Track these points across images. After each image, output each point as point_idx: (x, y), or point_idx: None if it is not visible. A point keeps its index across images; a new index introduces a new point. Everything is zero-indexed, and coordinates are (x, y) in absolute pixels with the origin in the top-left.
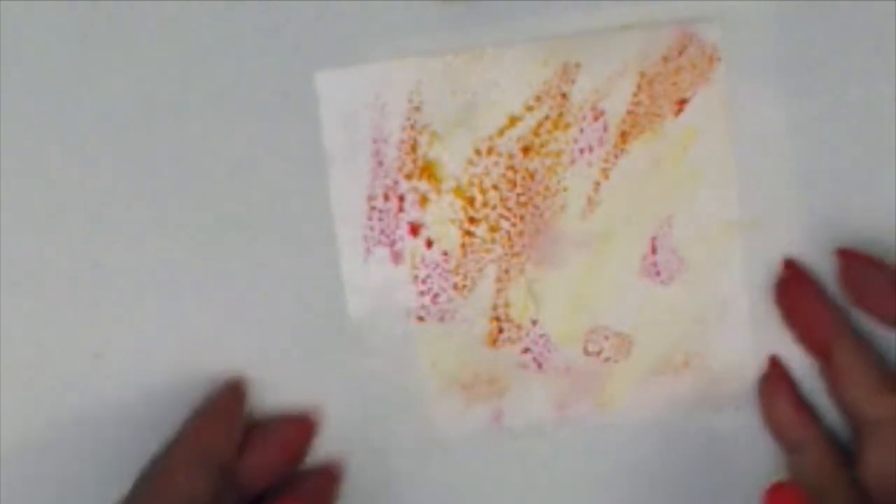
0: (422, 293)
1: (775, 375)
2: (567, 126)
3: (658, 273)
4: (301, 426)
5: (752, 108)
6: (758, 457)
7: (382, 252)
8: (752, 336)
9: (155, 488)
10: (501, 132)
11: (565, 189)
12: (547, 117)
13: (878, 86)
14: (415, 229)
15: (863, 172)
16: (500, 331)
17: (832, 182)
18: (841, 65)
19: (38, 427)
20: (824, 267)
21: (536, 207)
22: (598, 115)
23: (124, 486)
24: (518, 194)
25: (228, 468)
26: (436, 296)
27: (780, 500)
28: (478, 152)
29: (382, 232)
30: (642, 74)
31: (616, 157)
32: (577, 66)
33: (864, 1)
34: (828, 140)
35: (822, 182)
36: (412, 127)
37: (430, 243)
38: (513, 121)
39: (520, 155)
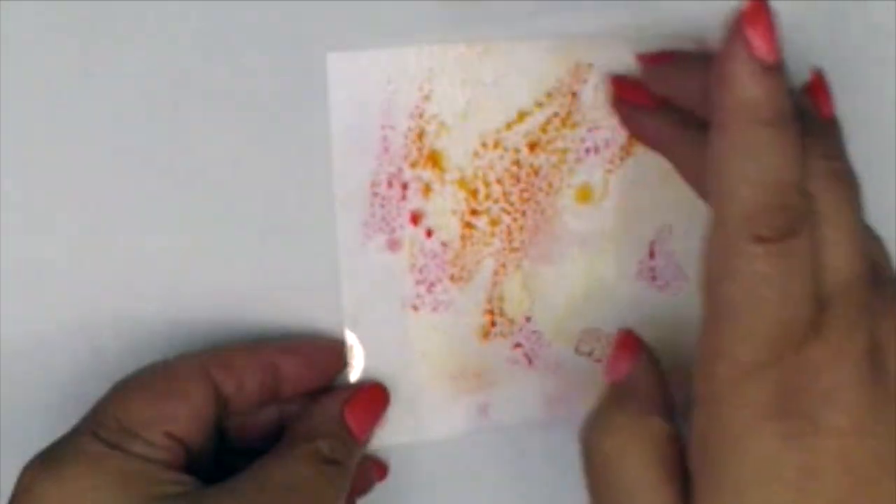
0: (418, 282)
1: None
2: (575, 125)
3: (654, 278)
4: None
5: None
6: None
7: (381, 239)
8: None
9: None
10: (509, 126)
11: (569, 187)
12: (556, 115)
13: (882, 90)
14: (416, 218)
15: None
16: (493, 324)
17: None
18: (851, 72)
19: (38, 423)
20: None
21: (538, 204)
22: (607, 116)
23: None
24: (521, 190)
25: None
26: (431, 285)
27: (753, 8)
28: (484, 145)
29: (383, 219)
30: None
31: (622, 159)
32: (590, 66)
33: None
34: None
35: None
36: (421, 115)
37: (430, 233)
38: (521, 116)
39: (526, 150)
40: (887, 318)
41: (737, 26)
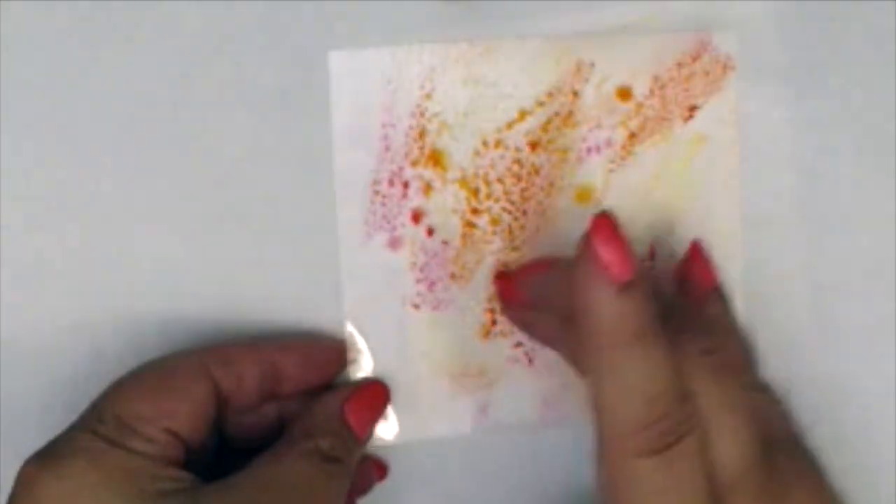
0: (419, 280)
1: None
2: (576, 124)
3: (655, 278)
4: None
5: (762, 118)
6: None
7: (382, 237)
8: None
9: None
10: (510, 125)
11: (570, 187)
12: (557, 114)
13: (884, 94)
14: (417, 216)
15: (867, 179)
16: (494, 323)
17: (836, 193)
18: (853, 76)
19: (38, 422)
20: (829, 277)
21: (539, 203)
22: (608, 115)
23: None
24: (522, 189)
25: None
26: (432, 284)
27: (601, 227)
28: (485, 144)
29: (384, 217)
30: (655, 78)
31: (623, 158)
32: (592, 65)
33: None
34: (834, 148)
35: (827, 193)
36: (422, 114)
37: (430, 231)
38: (523, 115)
39: (527, 149)
40: (790, 488)
41: (586, 246)
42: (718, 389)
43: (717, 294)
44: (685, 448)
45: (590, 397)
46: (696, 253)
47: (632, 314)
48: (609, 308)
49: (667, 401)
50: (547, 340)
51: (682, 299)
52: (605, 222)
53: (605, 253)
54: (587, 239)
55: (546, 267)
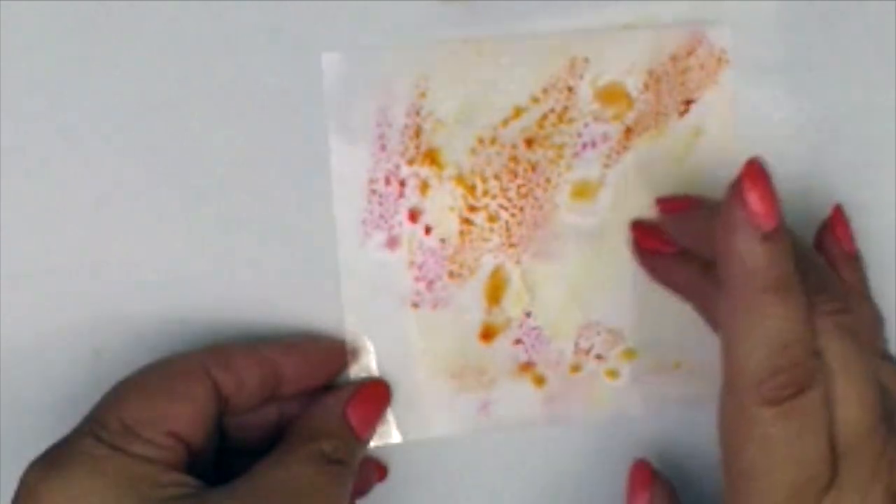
0: (417, 279)
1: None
2: (572, 120)
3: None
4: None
5: (758, 111)
6: None
7: (380, 236)
8: None
9: None
10: (506, 122)
11: (566, 183)
12: (552, 110)
13: (881, 88)
14: (414, 215)
15: (865, 174)
16: (493, 321)
17: (833, 184)
18: (849, 69)
19: (38, 423)
20: None
21: (536, 199)
22: (604, 111)
23: None
24: (519, 185)
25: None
26: (431, 282)
27: (752, 174)
28: (481, 141)
29: (381, 216)
30: (650, 73)
31: (619, 153)
32: (586, 60)
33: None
34: (830, 142)
35: (824, 184)
36: (417, 113)
37: (428, 230)
38: (518, 112)
39: (523, 146)
40: None
41: (735, 192)
42: (847, 350)
43: (854, 260)
44: (809, 401)
45: (721, 343)
46: (838, 217)
47: (774, 262)
48: (753, 254)
49: (797, 351)
50: (681, 288)
51: (822, 260)
52: (757, 168)
53: (754, 198)
54: (737, 184)
55: (691, 205)
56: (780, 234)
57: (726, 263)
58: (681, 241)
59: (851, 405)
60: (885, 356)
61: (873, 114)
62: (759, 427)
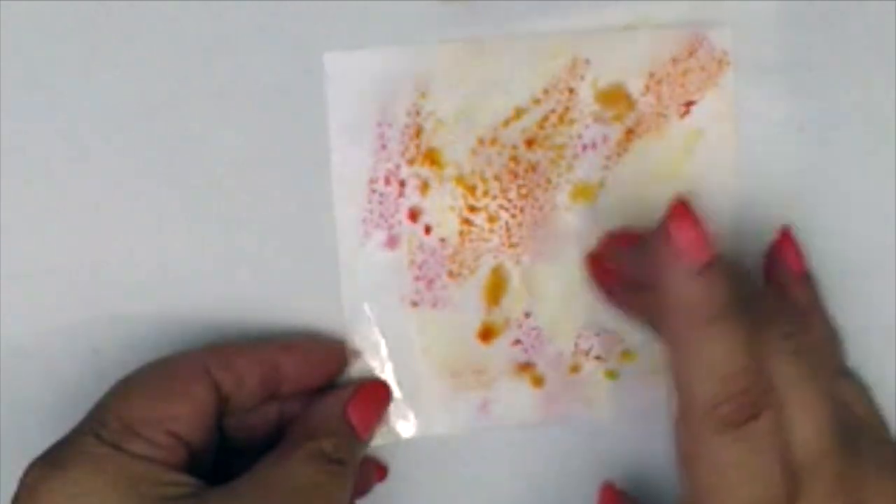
0: (417, 279)
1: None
2: (572, 121)
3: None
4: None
5: (758, 111)
6: None
7: (380, 236)
8: None
9: None
10: (507, 123)
11: (566, 184)
12: (553, 111)
13: (881, 88)
14: (414, 215)
15: (865, 174)
16: (493, 321)
17: (834, 188)
18: (849, 69)
19: (38, 423)
20: (826, 275)
21: (536, 200)
22: (604, 112)
23: None
24: (519, 186)
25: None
26: (430, 282)
27: (677, 213)
28: (482, 142)
29: (381, 216)
30: (651, 74)
31: (619, 154)
32: (587, 62)
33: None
34: (830, 142)
35: (823, 184)
36: (418, 113)
37: (428, 229)
38: (519, 112)
39: (523, 147)
40: (868, 476)
41: (663, 232)
42: (796, 371)
43: (804, 279)
44: (760, 425)
45: (670, 373)
46: (786, 238)
47: (709, 295)
48: (686, 289)
49: (743, 378)
50: (636, 315)
51: (770, 284)
52: (681, 208)
53: (683, 237)
54: (666, 222)
55: (631, 240)
56: (714, 266)
57: (663, 298)
58: (630, 273)
59: (806, 427)
60: (845, 372)
61: (873, 114)
62: (711, 453)
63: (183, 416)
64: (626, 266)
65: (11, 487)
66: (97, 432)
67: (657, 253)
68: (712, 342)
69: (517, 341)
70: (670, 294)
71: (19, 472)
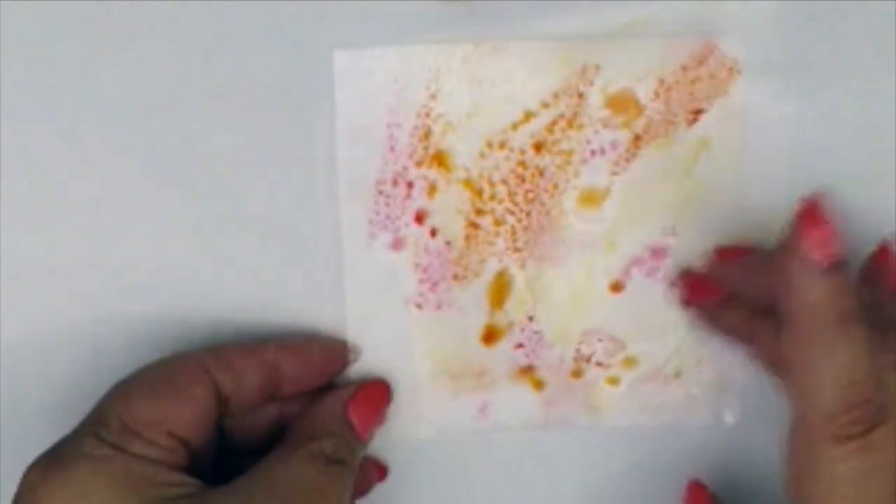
0: (421, 281)
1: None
2: (581, 126)
3: (658, 280)
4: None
5: (758, 111)
6: (747, 466)
7: (386, 237)
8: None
9: None
10: (515, 127)
11: (574, 189)
12: (562, 115)
13: (881, 88)
14: (420, 217)
15: (865, 174)
16: (496, 324)
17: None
18: (849, 69)
19: (38, 423)
20: None
21: (543, 205)
22: (613, 118)
23: None
24: (526, 190)
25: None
26: (435, 284)
27: (810, 210)
28: (490, 145)
29: (388, 217)
30: (661, 81)
31: (627, 161)
32: (597, 67)
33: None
34: (830, 142)
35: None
36: (427, 115)
37: (434, 232)
38: (528, 116)
39: (531, 151)
40: None
41: (794, 231)
42: None
43: None
44: (880, 437)
45: (787, 382)
46: (885, 253)
47: (838, 296)
48: (817, 288)
49: (866, 387)
50: (731, 333)
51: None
52: (813, 207)
53: (815, 235)
54: (796, 221)
55: (743, 253)
56: (842, 267)
57: (788, 300)
58: (730, 287)
59: None
60: None
61: (873, 114)
62: (827, 464)
63: (183, 416)
64: (736, 281)
65: (11, 487)
66: (97, 433)
67: (786, 253)
68: (838, 346)
69: (519, 345)
70: (798, 295)
71: (19, 472)
